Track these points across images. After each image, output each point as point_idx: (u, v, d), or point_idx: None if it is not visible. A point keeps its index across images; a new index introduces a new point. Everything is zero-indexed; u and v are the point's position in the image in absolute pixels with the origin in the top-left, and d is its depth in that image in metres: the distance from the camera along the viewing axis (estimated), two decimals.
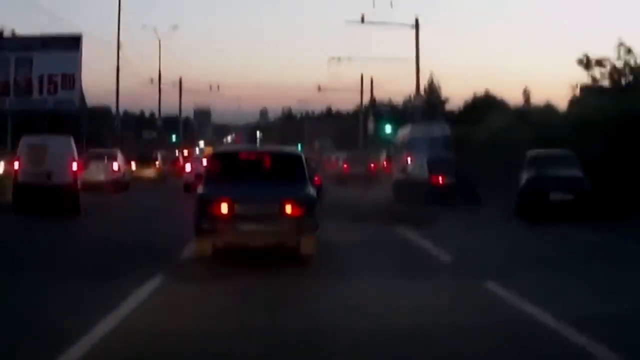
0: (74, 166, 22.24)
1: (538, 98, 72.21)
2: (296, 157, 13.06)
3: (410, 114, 77.59)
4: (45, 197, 21.26)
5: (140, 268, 11.75)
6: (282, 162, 12.98)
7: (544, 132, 28.41)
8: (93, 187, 30.31)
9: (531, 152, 22.72)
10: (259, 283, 10.78)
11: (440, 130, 36.76)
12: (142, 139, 77.81)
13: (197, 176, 16.76)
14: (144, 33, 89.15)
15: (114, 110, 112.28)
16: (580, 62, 41.38)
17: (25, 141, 22.59)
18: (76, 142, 41.52)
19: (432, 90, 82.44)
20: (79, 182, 22.62)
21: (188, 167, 34.97)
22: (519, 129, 32.29)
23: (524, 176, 21.87)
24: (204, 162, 21.44)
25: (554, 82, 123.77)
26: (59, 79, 37.63)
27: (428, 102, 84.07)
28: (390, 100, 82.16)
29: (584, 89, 63.87)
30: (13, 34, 39.17)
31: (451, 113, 72.60)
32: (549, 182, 20.98)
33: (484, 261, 13.54)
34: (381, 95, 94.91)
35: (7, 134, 35.57)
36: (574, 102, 75.17)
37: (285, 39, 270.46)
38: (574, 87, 51.03)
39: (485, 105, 49.30)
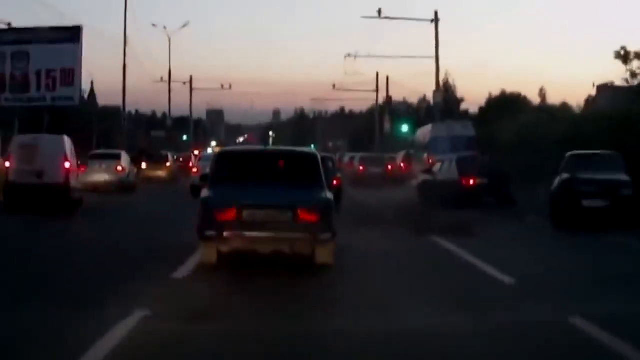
0: (66, 165, 21.68)
1: (554, 97, 69.64)
2: (311, 158, 11.99)
3: (426, 112, 76.05)
4: (37, 197, 20.93)
5: (119, 294, 9.28)
6: (296, 163, 12.02)
7: (579, 130, 25.86)
8: (96, 188, 30.26)
9: (571, 153, 19.97)
10: (262, 325, 7.99)
11: (463, 129, 35.90)
12: (149, 138, 75.49)
13: (203, 177, 14.81)
14: (155, 32, 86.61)
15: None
16: (618, 55, 38.65)
17: (16, 140, 22.63)
18: (87, 142, 42.69)
19: (447, 89, 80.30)
20: (72, 182, 21.97)
21: (195, 168, 31.92)
22: (549, 128, 29.82)
23: (559, 179, 19.29)
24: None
25: (569, 81, 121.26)
26: (57, 74, 35.15)
27: (444, 101, 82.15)
28: (405, 100, 79.33)
29: (600, 87, 61.77)
30: (9, 26, 36.33)
31: (465, 113, 70.51)
32: (583, 187, 18.34)
33: (553, 284, 10.82)
34: (396, 93, 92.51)
35: (14, 133, 32.87)
36: (589, 102, 73.49)
37: (299, 35, 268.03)
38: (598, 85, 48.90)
39: (507, 104, 47.08)
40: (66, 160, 21.72)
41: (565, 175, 19.04)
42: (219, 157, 12.37)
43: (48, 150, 21.56)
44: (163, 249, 13.42)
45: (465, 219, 19.77)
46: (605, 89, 70.39)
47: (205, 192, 11.31)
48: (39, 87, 35.09)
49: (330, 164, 25.47)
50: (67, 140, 22.48)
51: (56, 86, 35.11)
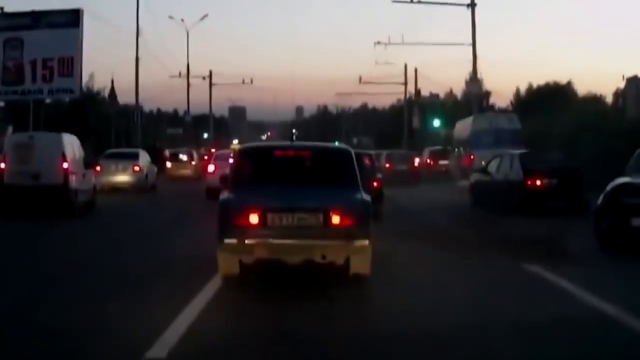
0: (64, 165, 19.76)
1: (581, 89, 65.44)
2: (344, 154, 10.54)
3: (453, 106, 71.76)
4: (34, 199, 19.47)
5: None
6: (326, 160, 10.63)
7: None
8: (113, 189, 28.94)
9: None
10: None
11: (509, 122, 32.71)
12: (165, 135, 71.74)
13: (222, 178, 11.70)
14: (172, 26, 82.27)
15: (146, 108, 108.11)
16: None
17: (11, 139, 21.35)
18: (106, 140, 45.45)
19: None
20: (73, 183, 20.03)
21: (211, 168, 26.90)
22: (613, 119, 25.47)
23: (612, 185, 13.42)
24: (231, 161, 17.06)
25: (594, 74, 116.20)
26: (55, 64, 30.71)
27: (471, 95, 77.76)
28: (431, 93, 74.78)
29: (630, 80, 58.00)
30: (1, 10, 31.63)
31: (492, 107, 66.80)
32: (632, 199, 12.58)
33: None
34: (424, 87, 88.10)
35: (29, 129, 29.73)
36: (617, 94, 69.53)
37: (324, 27, 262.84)
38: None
39: (552, 95, 42.72)
40: (64, 160, 19.78)
41: (621, 180, 13.37)
42: (239, 155, 10.89)
43: (45, 149, 19.81)
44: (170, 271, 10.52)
45: (541, 230, 15.56)
46: (635, 81, 66.95)
47: (224, 194, 9.85)
48: (34, 79, 30.80)
49: (368, 162, 21.36)
50: (66, 139, 20.69)
51: (54, 77, 30.77)
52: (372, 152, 23.26)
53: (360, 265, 9.32)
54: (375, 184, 18.86)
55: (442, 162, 42.92)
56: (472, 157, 31.14)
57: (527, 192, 19.57)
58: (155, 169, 34.53)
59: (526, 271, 10.68)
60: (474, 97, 42.25)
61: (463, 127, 36.29)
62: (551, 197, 19.66)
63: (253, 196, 9.53)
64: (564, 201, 19.78)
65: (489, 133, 31.51)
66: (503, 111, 45.94)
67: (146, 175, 31.12)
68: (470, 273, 10.73)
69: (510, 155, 20.98)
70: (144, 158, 32.12)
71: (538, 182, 19.63)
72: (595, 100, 49.84)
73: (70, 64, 30.62)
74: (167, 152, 47.68)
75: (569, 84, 53.70)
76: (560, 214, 18.95)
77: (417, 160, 42.07)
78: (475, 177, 22.88)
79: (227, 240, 9.19)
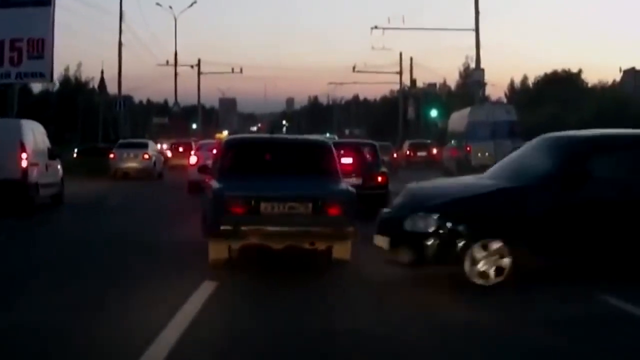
0: (24, 156, 17.13)
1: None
2: (324, 147, 11.18)
3: (447, 97, 69.05)
4: None
5: None
6: (308, 152, 11.09)
7: None
8: (125, 175, 31.82)
9: None
10: None
11: (506, 113, 31.35)
12: (150, 124, 69.00)
13: (202, 168, 12.24)
14: (160, 13, 79.24)
15: (135, 99, 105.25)
16: None
17: None
18: (93, 130, 50.89)
19: (468, 74, 73.73)
20: (33, 177, 17.38)
21: (194, 159, 23.61)
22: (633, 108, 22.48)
23: None
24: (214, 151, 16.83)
25: (590, 66, 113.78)
26: (23, 45, 27.29)
27: (465, 88, 75.15)
28: (428, 84, 71.77)
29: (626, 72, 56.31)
30: None
31: (487, 99, 64.07)
32: None
33: None
34: (419, 76, 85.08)
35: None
36: (614, 86, 66.98)
37: (316, 14, 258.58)
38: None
39: (560, 83, 39.78)
40: (23, 150, 17.16)
41: None
42: (226, 146, 11.40)
43: (0, 138, 17.07)
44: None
45: None
46: (632, 73, 64.61)
47: (215, 184, 10.10)
48: (1, 61, 27.32)
49: (369, 156, 18.34)
50: (27, 125, 18.07)
51: (22, 59, 27.33)
52: (376, 143, 19.95)
53: (342, 251, 9.75)
54: (379, 178, 16.79)
55: (420, 153, 44.05)
56: (468, 149, 29.81)
57: None
58: (162, 158, 37.01)
59: (608, 306, 7.77)
60: (476, 86, 39.40)
61: (458, 118, 34.08)
62: None
63: (245, 185, 9.80)
64: None
65: (486, 125, 29.91)
66: (499, 102, 43.41)
67: (154, 163, 33.35)
68: (542, 309, 7.55)
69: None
70: (153, 148, 35.15)
71: None
72: (612, 89, 47.01)
73: (40, 46, 27.28)
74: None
75: (579, 72, 50.82)
76: None
77: (394, 153, 40.35)
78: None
79: (222, 227, 9.33)
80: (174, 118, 65.76)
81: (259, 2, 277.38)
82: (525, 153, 10.14)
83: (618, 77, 66.19)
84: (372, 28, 47.80)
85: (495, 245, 8.36)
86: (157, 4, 59.11)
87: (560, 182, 8.62)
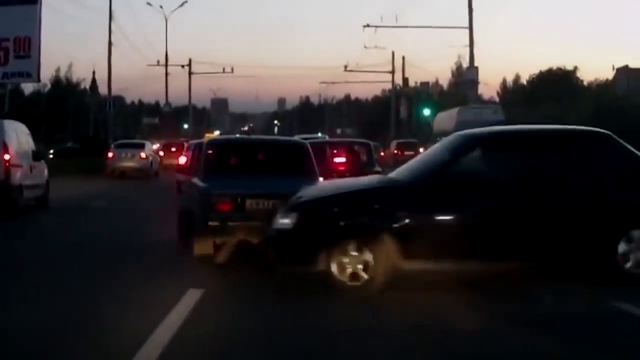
0: (6, 157, 16.45)
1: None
2: (301, 148, 11.46)
3: (439, 96, 68.61)
4: None
5: None
6: (286, 153, 11.64)
7: None
8: (123, 174, 33.23)
9: None
10: None
11: (494, 114, 31.73)
12: (140, 125, 68.52)
13: (181, 169, 14.77)
14: (151, 13, 78.48)
15: (127, 100, 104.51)
16: None
17: None
18: (84, 130, 53.87)
19: (460, 73, 73.49)
20: (16, 179, 16.70)
21: (183, 160, 23.09)
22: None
23: None
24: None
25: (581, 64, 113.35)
26: (9, 44, 26.49)
27: (457, 87, 74.77)
28: (417, 84, 71.28)
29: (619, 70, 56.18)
30: None
31: (479, 97, 63.64)
32: None
33: None
34: (414, 74, 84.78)
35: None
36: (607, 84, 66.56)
37: (308, 13, 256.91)
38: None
39: (556, 82, 39.24)
40: (5, 151, 16.52)
41: None
42: (209, 147, 11.62)
43: None
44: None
45: None
46: (625, 71, 64.20)
47: (200, 183, 10.42)
48: None
49: (363, 155, 17.95)
50: (9, 126, 17.39)
51: (9, 59, 26.54)
52: (371, 142, 19.46)
53: None
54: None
55: (407, 152, 43.43)
56: None
57: None
58: (158, 158, 38.04)
59: (619, 312, 7.27)
60: (470, 84, 38.94)
61: (445, 118, 34.25)
62: None
63: (231, 184, 10.07)
64: None
65: (474, 125, 29.07)
66: (488, 102, 43.15)
67: (151, 163, 34.62)
68: (554, 315, 7.01)
69: None
70: (149, 148, 36.50)
71: None
72: (606, 86, 46.49)
73: (27, 45, 26.55)
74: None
75: (575, 69, 50.28)
76: None
77: (381, 152, 42.45)
78: None
79: (210, 223, 9.56)
80: (164, 118, 65.09)
81: (250, 2, 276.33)
82: (431, 151, 9.94)
83: (611, 75, 66.04)
84: (364, 26, 47.02)
85: (358, 246, 7.92)
86: (148, 3, 58.38)
87: (432, 182, 8.22)
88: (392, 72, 59.32)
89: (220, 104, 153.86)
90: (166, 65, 59.67)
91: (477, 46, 37.61)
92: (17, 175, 16.79)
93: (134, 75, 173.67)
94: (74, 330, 6.46)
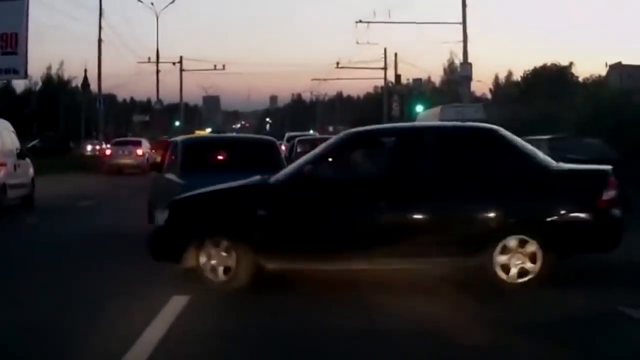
0: None
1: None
2: (270, 145, 12.59)
3: (431, 94, 68.13)
4: None
5: None
6: (257, 150, 12.37)
7: None
8: (120, 170, 34.43)
9: None
10: None
11: (475, 112, 31.22)
12: (131, 123, 68.12)
13: (154, 166, 14.15)
14: (144, 12, 77.87)
15: (119, 97, 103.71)
16: None
17: None
18: (75, 128, 55.84)
19: (452, 70, 73.22)
20: (1, 176, 16.32)
21: (158, 157, 22.85)
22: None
23: None
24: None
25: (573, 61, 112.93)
26: None
27: (449, 84, 74.33)
28: (413, 80, 70.82)
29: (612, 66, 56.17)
30: None
31: (472, 95, 63.27)
32: None
33: None
34: (407, 71, 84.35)
35: None
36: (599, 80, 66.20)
37: (300, 9, 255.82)
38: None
39: (551, 78, 38.82)
40: None
41: None
42: (184, 146, 12.03)
43: None
44: None
45: None
46: (618, 68, 63.74)
47: (177, 179, 10.73)
48: None
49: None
50: None
51: None
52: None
53: None
54: None
55: None
56: None
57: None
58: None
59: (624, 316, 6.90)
60: (463, 80, 38.47)
61: (429, 117, 33.81)
62: None
63: (208, 180, 9.44)
64: None
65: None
66: (480, 99, 43.08)
67: (147, 160, 34.40)
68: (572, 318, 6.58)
69: (537, 143, 16.63)
70: (146, 145, 37.64)
71: None
72: (600, 82, 46.09)
73: (14, 41, 26.03)
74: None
75: (571, 65, 49.77)
76: None
77: None
78: None
79: None
80: (155, 116, 64.38)
81: None
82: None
83: (604, 72, 65.56)
84: (356, 22, 46.27)
85: (222, 244, 7.92)
86: (139, 0, 57.64)
87: (291, 181, 8.15)
88: (385, 68, 58.79)
89: (212, 101, 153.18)
90: (157, 63, 58.96)
91: (471, 42, 37.10)
92: (1, 174, 16.37)
93: (126, 72, 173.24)
94: (54, 337, 6.14)
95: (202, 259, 7.89)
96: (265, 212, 7.95)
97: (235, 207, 8.16)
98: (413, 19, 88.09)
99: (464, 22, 36.99)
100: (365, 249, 7.75)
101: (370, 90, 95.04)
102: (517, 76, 62.61)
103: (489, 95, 75.84)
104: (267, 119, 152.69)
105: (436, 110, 33.93)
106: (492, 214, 7.75)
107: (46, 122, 72.09)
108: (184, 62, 62.26)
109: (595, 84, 40.62)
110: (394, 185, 7.89)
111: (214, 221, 8.10)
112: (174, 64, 61.04)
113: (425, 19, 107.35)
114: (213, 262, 7.89)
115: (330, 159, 8.38)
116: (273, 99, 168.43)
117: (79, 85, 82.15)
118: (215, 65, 62.12)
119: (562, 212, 7.78)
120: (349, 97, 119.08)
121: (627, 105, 23.48)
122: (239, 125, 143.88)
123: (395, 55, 58.46)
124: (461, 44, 37.70)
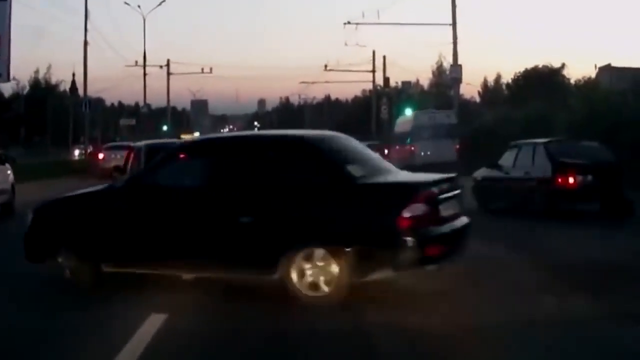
0: None
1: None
2: None
3: (420, 96, 67.63)
4: None
5: None
6: None
7: None
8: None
9: None
10: None
11: (447, 117, 33.52)
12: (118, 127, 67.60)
13: (118, 169, 14.00)
14: (131, 15, 77.19)
15: (107, 101, 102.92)
16: None
17: None
18: (64, 131, 55.35)
19: (442, 72, 72.70)
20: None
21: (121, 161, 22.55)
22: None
23: None
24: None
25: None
26: None
27: (437, 87, 73.95)
28: (402, 82, 70.39)
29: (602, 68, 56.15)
30: None
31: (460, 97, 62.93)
32: None
33: None
34: (395, 73, 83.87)
35: None
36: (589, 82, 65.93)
37: (287, 11, 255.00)
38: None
39: (541, 80, 38.27)
40: None
41: None
42: (148, 150, 12.61)
43: None
44: None
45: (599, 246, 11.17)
46: (608, 70, 63.53)
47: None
48: None
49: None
50: None
51: None
52: (367, 142, 18.52)
53: None
54: None
55: None
56: (412, 149, 32.26)
57: (557, 191, 15.01)
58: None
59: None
60: (453, 82, 38.06)
61: (404, 123, 35.66)
62: (585, 197, 15.18)
63: None
64: (600, 202, 15.50)
65: (428, 128, 32.53)
66: (469, 101, 42.94)
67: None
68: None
69: (533, 146, 16.19)
70: None
71: (571, 180, 15.02)
72: (593, 84, 45.68)
73: None
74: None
75: (563, 67, 49.26)
76: (596, 219, 14.91)
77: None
78: (482, 173, 17.92)
79: None
80: (142, 119, 63.65)
81: (228, 1, 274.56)
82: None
83: (593, 74, 65.27)
84: (345, 23, 45.64)
85: (70, 248, 8.29)
86: (126, 3, 57.00)
87: (127, 187, 8.43)
88: (373, 71, 58.31)
89: (200, 105, 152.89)
90: (144, 66, 58.45)
91: (460, 44, 36.71)
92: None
93: (114, 76, 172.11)
94: (28, 356, 5.84)
95: (62, 263, 8.33)
96: (107, 217, 8.14)
97: (82, 213, 8.34)
98: (403, 20, 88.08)
99: (453, 24, 36.63)
100: (179, 257, 7.83)
101: (359, 93, 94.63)
102: (506, 79, 62.23)
103: (477, 98, 75.52)
104: (256, 123, 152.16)
105: (410, 116, 35.16)
106: (289, 226, 7.44)
107: (34, 127, 71.42)
108: (171, 65, 61.80)
109: (588, 86, 40.09)
110: (204, 195, 7.91)
111: (62, 226, 8.33)
112: (161, 67, 60.48)
113: (415, 20, 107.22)
114: (66, 266, 8.29)
115: (160, 168, 8.40)
116: (261, 102, 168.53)
117: (67, 89, 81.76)
118: (202, 69, 61.67)
119: (359, 227, 7.27)
120: (337, 101, 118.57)
121: (623, 106, 23.05)
122: (227, 129, 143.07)
123: (384, 58, 58.00)
124: (450, 46, 37.32)
